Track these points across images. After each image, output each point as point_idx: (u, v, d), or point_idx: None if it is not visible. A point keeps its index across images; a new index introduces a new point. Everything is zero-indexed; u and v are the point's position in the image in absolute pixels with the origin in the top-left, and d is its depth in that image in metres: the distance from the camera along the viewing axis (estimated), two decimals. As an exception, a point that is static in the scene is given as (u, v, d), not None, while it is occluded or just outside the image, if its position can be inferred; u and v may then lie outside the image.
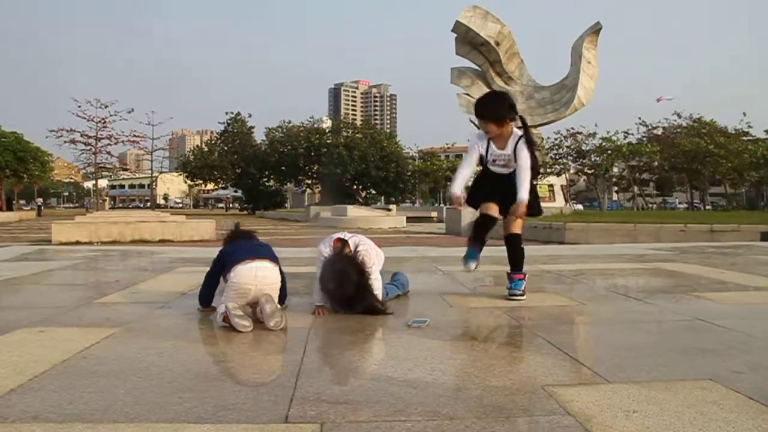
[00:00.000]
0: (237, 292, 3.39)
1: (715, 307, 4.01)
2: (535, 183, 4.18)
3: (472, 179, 4.52)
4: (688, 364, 2.60)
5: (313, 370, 2.48)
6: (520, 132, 4.16)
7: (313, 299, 3.77)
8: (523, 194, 4.02)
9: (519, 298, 4.19)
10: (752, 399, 2.09)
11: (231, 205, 79.98)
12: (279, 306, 3.37)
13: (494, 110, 4.13)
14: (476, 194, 4.40)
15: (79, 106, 50.67)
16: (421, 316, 3.55)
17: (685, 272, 6.02)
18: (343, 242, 3.76)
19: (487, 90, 40.78)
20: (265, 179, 59.73)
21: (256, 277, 3.41)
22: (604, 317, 3.79)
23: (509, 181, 4.14)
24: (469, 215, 19.65)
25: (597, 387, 2.25)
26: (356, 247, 3.72)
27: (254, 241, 3.84)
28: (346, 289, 3.55)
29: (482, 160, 4.27)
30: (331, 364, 2.70)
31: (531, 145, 4.12)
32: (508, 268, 4.30)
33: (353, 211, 29.28)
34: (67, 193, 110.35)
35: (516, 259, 4.27)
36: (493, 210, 4.21)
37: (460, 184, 4.25)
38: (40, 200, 64.35)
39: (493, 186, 4.27)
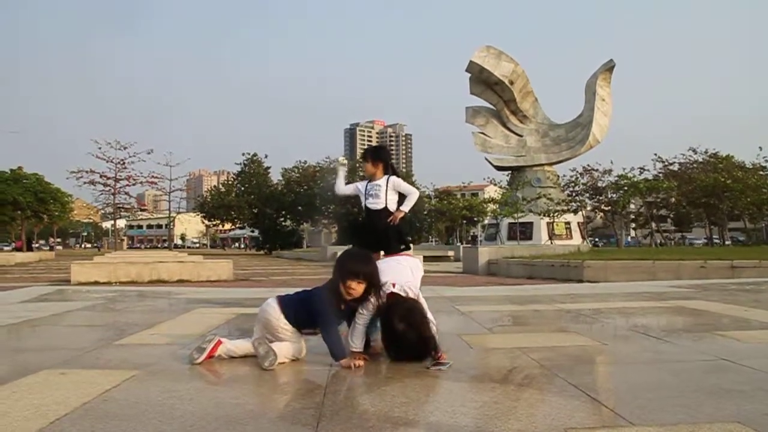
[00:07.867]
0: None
1: (740, 346, 3.94)
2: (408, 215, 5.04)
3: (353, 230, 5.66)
4: (715, 405, 2.56)
5: (334, 413, 2.47)
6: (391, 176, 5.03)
7: (352, 344, 3.53)
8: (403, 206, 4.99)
9: None
10: (782, 442, 2.05)
11: (246, 245, 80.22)
12: (273, 349, 3.35)
13: (370, 153, 5.14)
14: (359, 241, 5.07)
15: (99, 148, 51.43)
16: (440, 357, 3.52)
17: (707, 310, 5.93)
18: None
19: (502, 129, 41.16)
20: (282, 219, 60.08)
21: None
22: (625, 357, 3.74)
23: (379, 219, 4.93)
24: (485, 254, 19.57)
25: (621, 430, 2.22)
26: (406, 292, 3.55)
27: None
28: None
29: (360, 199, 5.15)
30: (352, 407, 2.69)
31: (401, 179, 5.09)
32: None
33: (369, 250, 29.15)
34: (86, 233, 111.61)
35: None
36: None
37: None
38: (52, 240, 65.57)
39: (368, 229, 5.04)
